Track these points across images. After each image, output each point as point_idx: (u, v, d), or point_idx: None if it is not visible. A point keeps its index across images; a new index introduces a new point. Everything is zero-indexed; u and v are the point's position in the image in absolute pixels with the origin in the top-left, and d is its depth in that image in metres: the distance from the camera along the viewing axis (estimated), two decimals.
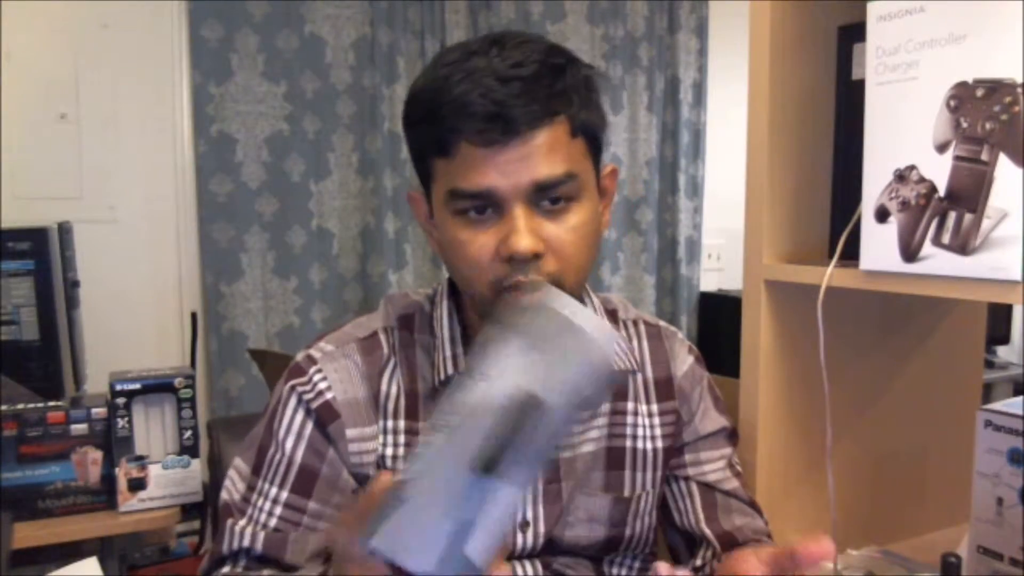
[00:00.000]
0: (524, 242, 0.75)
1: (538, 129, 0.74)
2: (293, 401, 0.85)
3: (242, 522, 0.83)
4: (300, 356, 0.88)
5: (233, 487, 0.86)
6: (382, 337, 0.89)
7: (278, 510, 0.83)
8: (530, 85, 0.74)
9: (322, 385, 0.85)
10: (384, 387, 0.87)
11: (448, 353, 0.87)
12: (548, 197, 0.76)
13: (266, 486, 0.84)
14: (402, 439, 0.86)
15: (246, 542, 0.82)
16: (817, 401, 0.98)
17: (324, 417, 0.84)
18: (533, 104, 0.74)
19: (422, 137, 0.79)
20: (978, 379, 1.27)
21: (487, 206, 0.76)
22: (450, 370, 0.86)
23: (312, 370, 0.86)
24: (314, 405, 0.84)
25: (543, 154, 0.75)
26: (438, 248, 0.84)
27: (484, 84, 0.73)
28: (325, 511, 0.84)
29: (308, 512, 0.83)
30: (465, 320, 0.89)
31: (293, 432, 0.84)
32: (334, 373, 0.86)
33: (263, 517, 0.83)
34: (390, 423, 0.86)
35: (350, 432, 0.84)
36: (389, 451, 0.86)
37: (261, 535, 0.82)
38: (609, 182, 0.87)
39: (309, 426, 0.84)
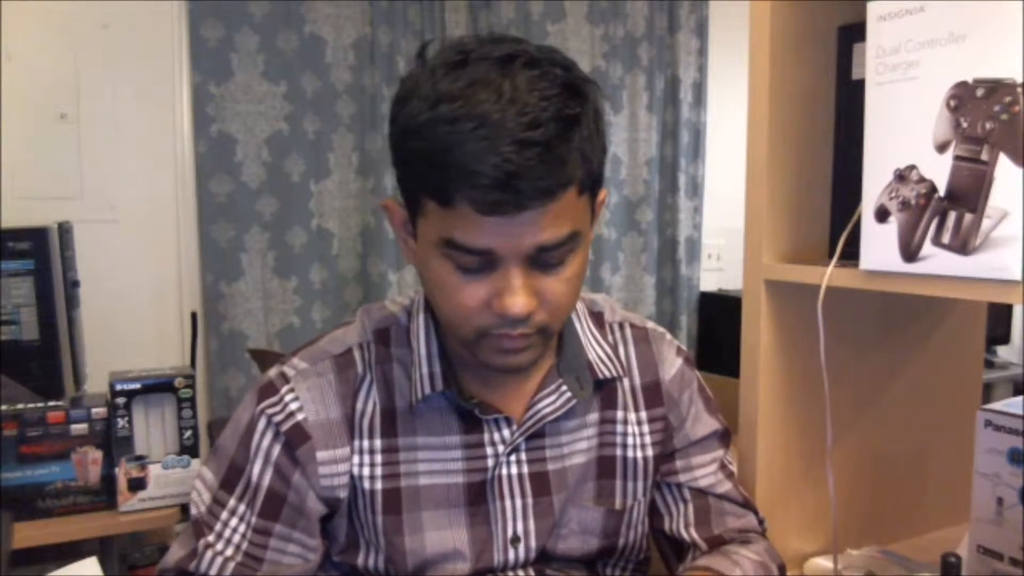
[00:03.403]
0: (519, 305, 0.72)
1: (550, 202, 0.69)
2: (262, 424, 0.83)
3: (211, 538, 0.82)
4: (273, 372, 0.86)
5: (200, 499, 0.85)
6: (356, 354, 0.86)
7: (248, 532, 0.82)
8: (547, 153, 0.67)
9: (293, 406, 0.82)
10: (359, 405, 0.84)
11: (425, 371, 0.84)
12: (548, 256, 0.73)
13: (236, 504, 0.83)
14: (379, 458, 0.84)
15: (214, 571, 0.81)
16: (817, 401, 0.98)
17: (293, 440, 0.82)
18: (548, 178, 0.68)
19: (418, 175, 0.73)
20: (978, 379, 1.27)
21: (483, 261, 0.72)
22: (427, 389, 0.83)
23: (284, 389, 0.83)
24: (284, 428, 0.82)
25: (550, 220, 0.70)
26: (417, 265, 0.80)
27: (498, 149, 0.66)
28: (292, 535, 0.83)
29: (275, 534, 0.82)
30: (442, 333, 0.86)
31: (261, 456, 0.83)
32: (307, 392, 0.83)
33: (235, 537, 0.82)
34: (365, 443, 0.84)
35: (321, 455, 0.82)
36: (366, 471, 0.84)
37: (231, 566, 0.81)
38: (599, 207, 0.81)
39: (276, 450, 0.82)
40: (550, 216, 0.70)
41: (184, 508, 1.66)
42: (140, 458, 1.61)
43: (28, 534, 1.52)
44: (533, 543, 0.87)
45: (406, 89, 0.73)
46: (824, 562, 1.05)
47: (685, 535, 0.93)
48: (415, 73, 0.73)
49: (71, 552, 1.54)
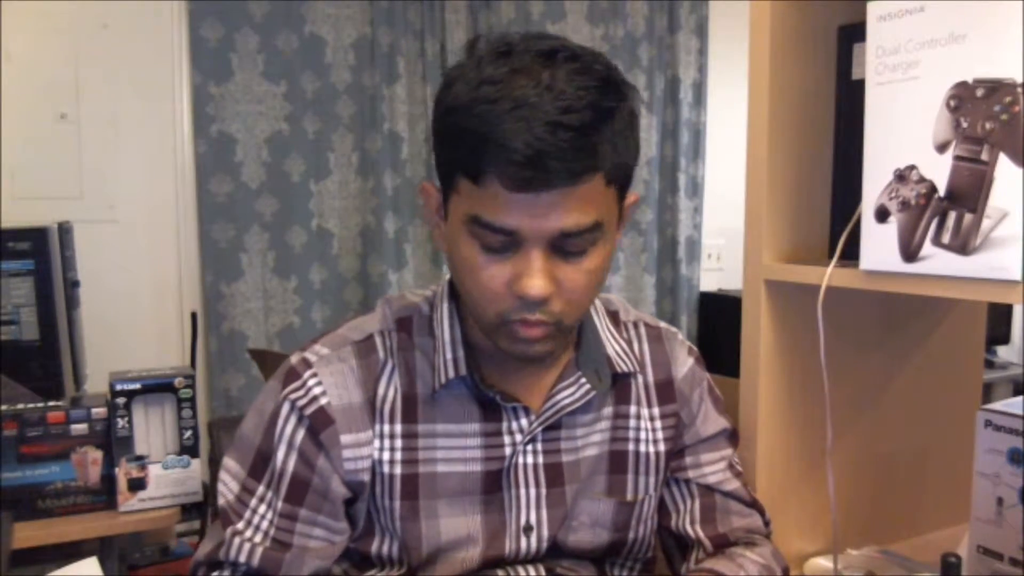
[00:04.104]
0: (536, 287, 0.74)
1: (576, 184, 0.72)
2: (286, 409, 0.84)
3: (240, 525, 0.83)
4: (295, 359, 0.87)
5: (228, 489, 0.86)
6: (378, 340, 0.88)
7: (275, 517, 0.83)
8: (578, 138, 0.70)
9: (317, 390, 0.84)
10: (381, 391, 0.86)
11: (449, 356, 0.85)
12: (571, 243, 0.75)
13: (264, 491, 0.84)
14: (399, 443, 0.85)
15: (243, 557, 0.82)
16: (817, 401, 0.98)
17: (317, 424, 0.83)
18: (577, 161, 0.71)
19: (453, 151, 0.76)
20: (978, 379, 1.27)
21: (507, 241, 0.75)
22: (451, 373, 0.85)
23: (307, 374, 0.84)
24: (308, 411, 0.83)
25: (575, 204, 0.73)
26: (445, 247, 0.83)
27: (531, 129, 0.69)
28: (318, 519, 0.84)
29: (300, 519, 0.83)
30: (465, 321, 0.88)
31: (285, 441, 0.84)
32: (329, 377, 0.84)
33: (264, 524, 0.83)
34: (386, 427, 0.85)
35: (344, 438, 0.83)
36: (386, 455, 0.85)
37: (259, 551, 0.82)
38: (629, 211, 0.84)
39: (301, 434, 0.83)
40: (575, 200, 0.73)
41: (184, 508, 1.66)
42: (140, 458, 1.61)
43: (28, 534, 1.52)
44: (545, 532, 0.88)
45: (451, 76, 0.77)
46: (824, 562, 1.05)
47: (690, 531, 0.94)
48: (462, 62, 0.77)
49: (71, 552, 1.54)
